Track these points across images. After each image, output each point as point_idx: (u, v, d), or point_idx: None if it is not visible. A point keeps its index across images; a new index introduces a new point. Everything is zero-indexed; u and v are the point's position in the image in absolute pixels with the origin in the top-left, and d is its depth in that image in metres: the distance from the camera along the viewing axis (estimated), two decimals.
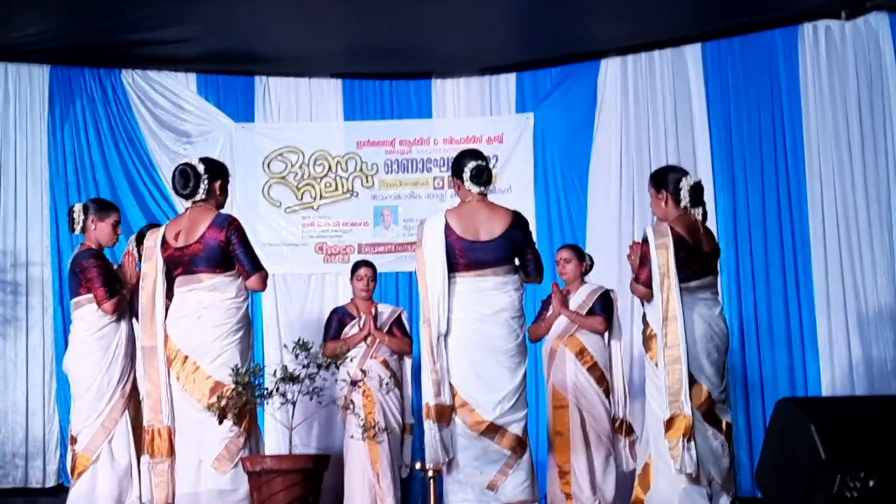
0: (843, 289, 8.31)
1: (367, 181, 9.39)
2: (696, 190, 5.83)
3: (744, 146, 8.79)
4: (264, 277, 5.63)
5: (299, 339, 5.06)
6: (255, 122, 9.45)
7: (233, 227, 5.61)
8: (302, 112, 9.54)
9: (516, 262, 5.88)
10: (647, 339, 5.77)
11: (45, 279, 8.89)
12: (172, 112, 9.30)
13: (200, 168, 5.69)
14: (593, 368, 7.38)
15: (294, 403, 5.07)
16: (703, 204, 5.90)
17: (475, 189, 5.82)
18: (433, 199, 9.32)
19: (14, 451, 8.61)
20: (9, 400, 8.69)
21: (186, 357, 5.55)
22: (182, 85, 9.36)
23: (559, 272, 7.65)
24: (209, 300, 5.53)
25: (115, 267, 6.42)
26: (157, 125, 9.27)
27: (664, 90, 9.07)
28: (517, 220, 5.86)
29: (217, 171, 5.82)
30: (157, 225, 6.74)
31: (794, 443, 5.10)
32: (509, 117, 9.44)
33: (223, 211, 5.84)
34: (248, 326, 5.68)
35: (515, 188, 9.26)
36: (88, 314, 6.24)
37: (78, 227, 6.43)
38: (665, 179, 5.87)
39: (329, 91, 9.55)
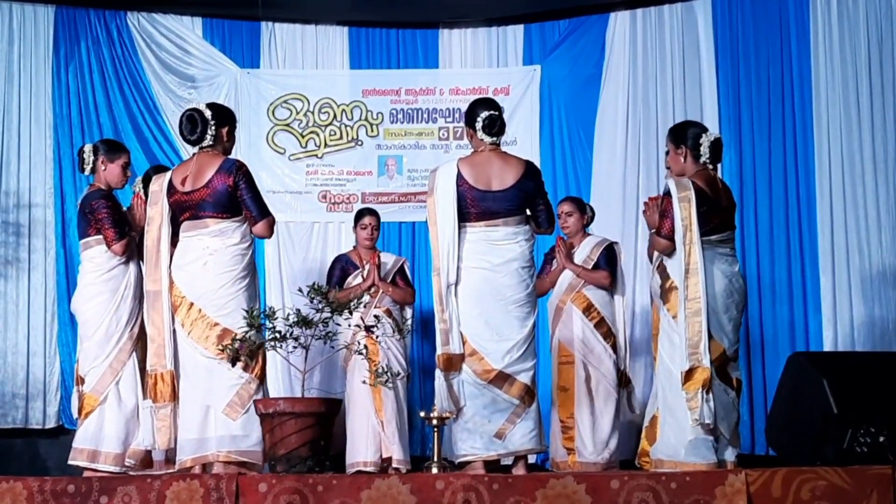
0: (847, 247, 8.34)
1: (372, 130, 9.35)
2: (716, 146, 5.79)
3: (752, 102, 8.78)
4: (271, 223, 5.62)
5: (314, 284, 5.05)
6: (261, 68, 9.38)
7: (241, 172, 5.58)
8: (308, 59, 9.47)
9: (527, 212, 5.86)
10: (666, 292, 5.74)
11: (48, 221, 8.85)
12: (177, 56, 9.23)
13: (207, 114, 5.65)
14: (600, 324, 7.37)
15: (307, 348, 5.07)
16: (721, 160, 5.89)
17: (487, 139, 5.79)
18: (438, 150, 9.29)
19: (14, 392, 8.60)
20: (9, 341, 8.68)
21: (192, 304, 5.53)
22: (188, 29, 9.29)
23: (561, 226, 7.57)
24: (214, 246, 5.49)
25: (125, 209, 6.39)
26: (162, 68, 9.20)
27: (673, 45, 9.03)
28: (529, 170, 5.83)
29: (224, 116, 5.77)
30: (163, 167, 6.72)
31: (806, 397, 5.15)
32: (516, 69, 9.37)
33: (231, 156, 5.82)
34: (254, 273, 5.66)
35: (521, 140, 9.21)
36: (97, 255, 6.20)
37: (87, 168, 6.38)
38: (685, 134, 5.83)
39: (335, 38, 9.48)
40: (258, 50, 9.41)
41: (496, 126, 5.79)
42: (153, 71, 9.18)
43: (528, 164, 5.88)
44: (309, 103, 9.35)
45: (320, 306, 5.00)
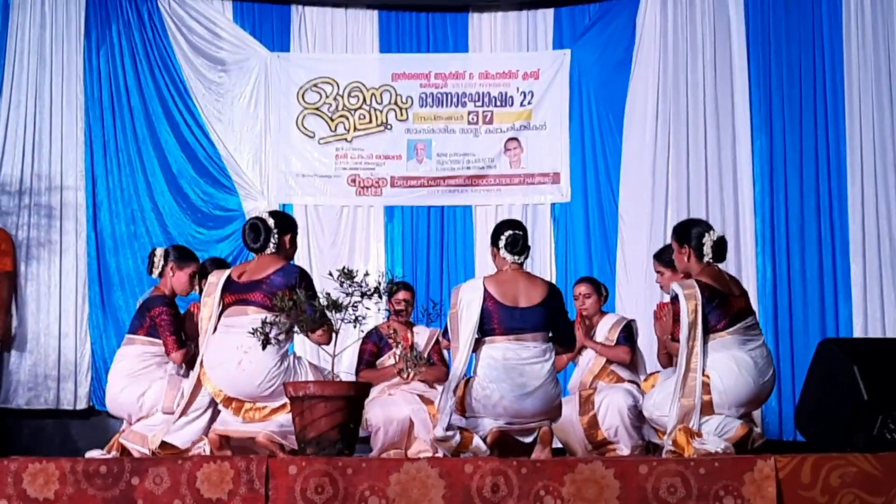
0: (878, 233, 8.32)
1: (402, 114, 9.34)
2: (720, 245, 5.80)
3: (783, 87, 8.73)
4: (330, 331, 5.33)
5: (344, 268, 5.05)
6: (291, 51, 9.37)
7: (304, 279, 5.54)
8: (337, 43, 9.45)
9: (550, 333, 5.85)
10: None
11: (80, 203, 8.89)
12: (208, 39, 9.24)
13: (270, 222, 5.69)
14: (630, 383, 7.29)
15: (337, 331, 5.08)
16: (725, 258, 5.88)
17: (509, 258, 5.81)
18: (467, 134, 9.28)
19: (46, 374, 8.67)
20: (41, 323, 8.73)
21: (232, 398, 5.54)
22: (218, 12, 9.28)
23: (578, 307, 7.39)
24: (248, 343, 5.31)
25: (183, 313, 6.44)
26: (193, 52, 9.22)
27: (704, 29, 8.96)
28: (554, 291, 5.86)
29: (287, 225, 5.81)
30: (221, 260, 6.95)
31: (836, 383, 5.13)
32: (546, 53, 9.34)
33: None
34: (286, 354, 5.59)
35: (550, 125, 9.20)
36: (135, 353, 6.24)
37: (156, 272, 6.44)
38: (688, 234, 5.85)
39: (365, 22, 9.46)
40: (288, 33, 9.40)
41: (518, 245, 5.82)
42: (183, 54, 9.20)
43: (552, 285, 5.94)
44: (338, 87, 9.35)
45: (350, 290, 5.01)
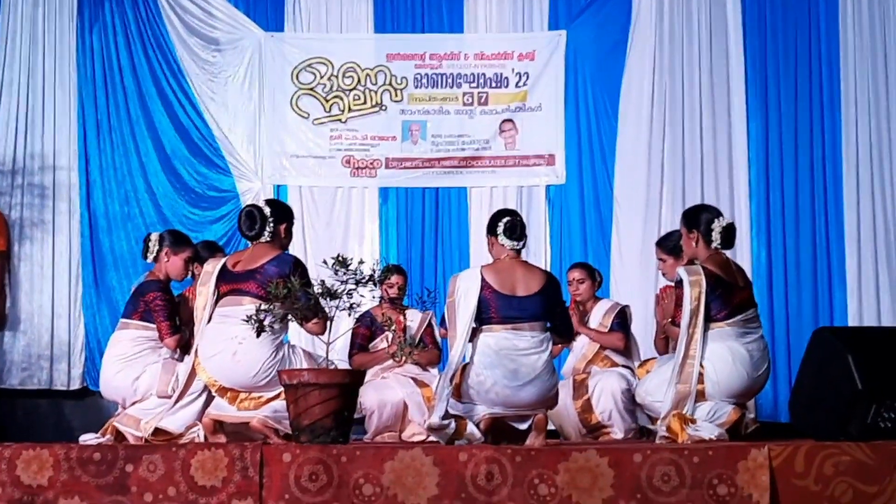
0: (873, 220, 8.36)
1: (396, 95, 9.31)
2: (728, 231, 5.81)
3: (779, 71, 8.74)
4: (325, 321, 5.35)
5: (338, 255, 5.03)
6: (285, 31, 9.31)
7: (298, 269, 5.49)
8: (332, 23, 9.39)
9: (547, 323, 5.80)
10: None
11: (73, 183, 8.87)
12: (202, 18, 9.18)
13: (266, 210, 5.67)
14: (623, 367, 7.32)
15: (332, 319, 5.07)
16: (733, 245, 5.90)
17: (508, 244, 5.74)
18: (462, 115, 9.24)
19: (40, 354, 8.67)
20: (35, 303, 8.74)
21: (227, 388, 5.53)
22: None
23: (572, 292, 7.40)
24: (244, 334, 5.32)
25: (177, 297, 6.43)
26: (186, 31, 9.16)
27: (700, 11, 8.93)
28: (551, 281, 5.80)
29: (283, 213, 5.78)
30: (214, 244, 6.99)
31: (831, 372, 5.13)
32: (542, 34, 9.29)
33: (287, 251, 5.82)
34: (282, 343, 5.60)
35: (545, 107, 9.16)
36: (129, 338, 6.22)
37: (151, 257, 6.40)
38: (697, 219, 5.86)
39: (360, 2, 9.38)
40: (282, 13, 9.33)
41: (517, 231, 5.75)
42: (177, 34, 9.15)
43: (550, 275, 5.90)
44: (333, 67, 9.31)
45: (344, 278, 5.00)
